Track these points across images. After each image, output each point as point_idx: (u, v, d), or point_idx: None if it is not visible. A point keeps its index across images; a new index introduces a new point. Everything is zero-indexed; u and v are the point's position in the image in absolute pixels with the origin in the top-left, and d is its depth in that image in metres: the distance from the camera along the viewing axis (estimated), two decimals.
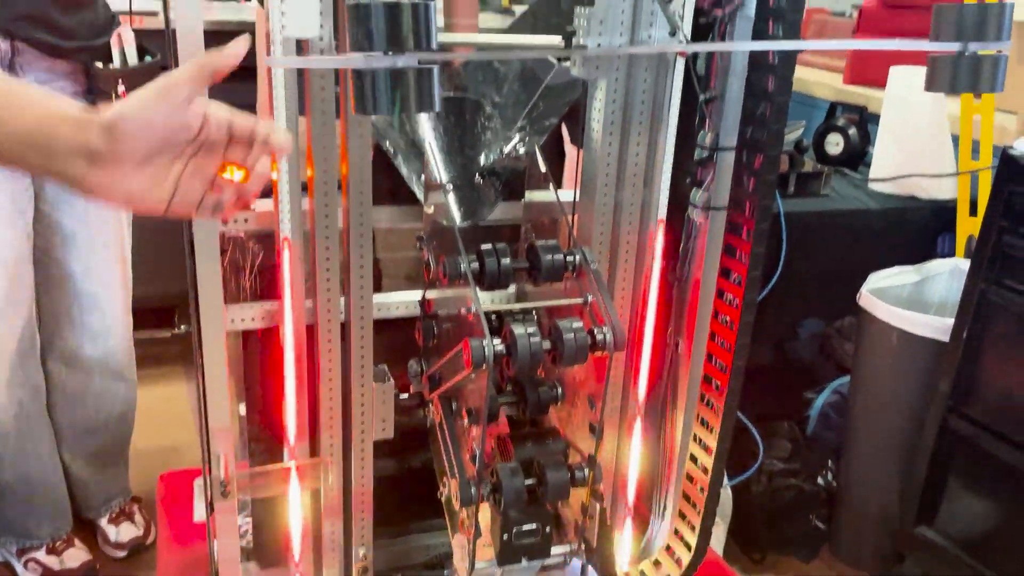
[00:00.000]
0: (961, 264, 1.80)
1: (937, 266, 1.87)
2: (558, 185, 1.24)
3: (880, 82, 2.11)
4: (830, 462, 1.93)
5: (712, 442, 1.18)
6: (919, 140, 2.03)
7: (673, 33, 0.92)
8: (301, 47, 0.89)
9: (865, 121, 2.24)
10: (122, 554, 1.83)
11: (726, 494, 1.86)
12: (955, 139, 2.03)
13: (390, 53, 0.51)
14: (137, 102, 0.62)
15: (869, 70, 2.24)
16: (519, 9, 2.74)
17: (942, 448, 1.61)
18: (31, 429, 1.66)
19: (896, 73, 2.04)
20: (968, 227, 2.00)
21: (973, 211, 2.00)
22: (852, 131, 2.23)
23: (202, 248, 0.96)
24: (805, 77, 2.69)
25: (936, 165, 2.01)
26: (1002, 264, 1.48)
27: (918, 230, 2.06)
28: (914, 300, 1.84)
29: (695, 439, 1.21)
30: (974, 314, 1.52)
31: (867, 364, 1.80)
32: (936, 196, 2.04)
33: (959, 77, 0.61)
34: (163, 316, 2.72)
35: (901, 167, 2.05)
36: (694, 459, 1.22)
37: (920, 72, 1.94)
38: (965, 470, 1.61)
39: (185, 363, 2.73)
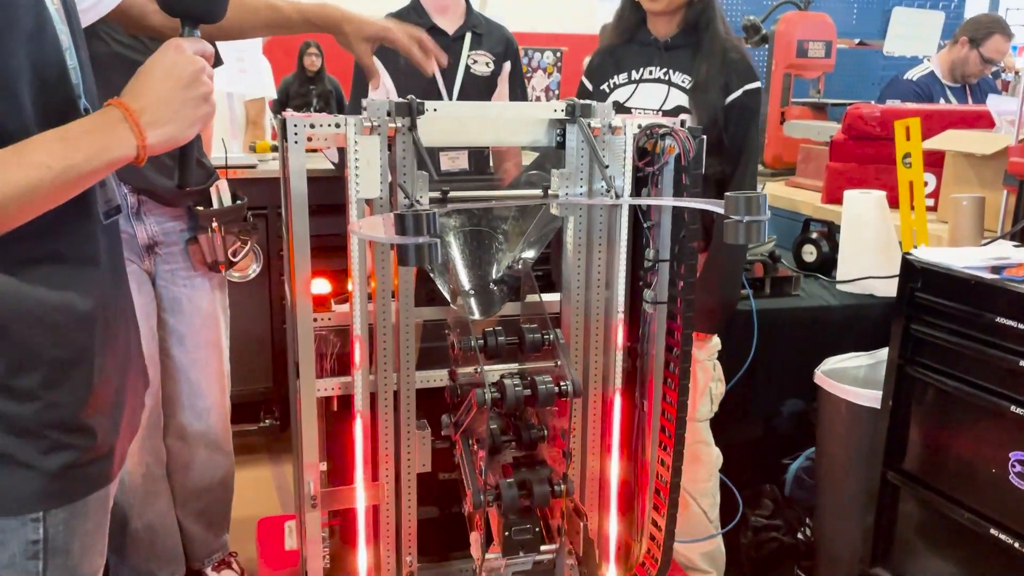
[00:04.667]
0: None
1: (886, 352, 2.24)
2: (559, 287, 1.69)
3: None
4: (807, 519, 2.27)
5: (668, 477, 1.57)
6: (871, 248, 2.44)
7: (608, 189, 1.39)
8: (368, 204, 1.38)
9: (833, 233, 2.67)
10: None
11: (718, 547, 2.21)
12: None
13: (415, 236, 0.98)
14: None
15: (840, 191, 2.66)
16: None
17: (884, 499, 1.96)
18: (155, 487, 2.13)
19: (849, 196, 2.48)
20: None
21: None
22: (823, 242, 2.66)
23: (303, 339, 1.43)
24: (794, 196, 3.14)
25: (886, 269, 2.41)
26: (913, 346, 1.87)
27: (877, 323, 2.44)
28: (869, 380, 2.21)
29: (658, 477, 1.61)
30: (896, 387, 1.89)
31: (825, 432, 2.16)
32: (889, 294, 2.42)
33: (739, 235, 1.07)
34: (250, 411, 3.21)
35: (859, 271, 2.46)
36: (658, 492, 1.61)
37: (869, 195, 2.39)
38: (905, 516, 1.95)
39: (269, 452, 3.19)
